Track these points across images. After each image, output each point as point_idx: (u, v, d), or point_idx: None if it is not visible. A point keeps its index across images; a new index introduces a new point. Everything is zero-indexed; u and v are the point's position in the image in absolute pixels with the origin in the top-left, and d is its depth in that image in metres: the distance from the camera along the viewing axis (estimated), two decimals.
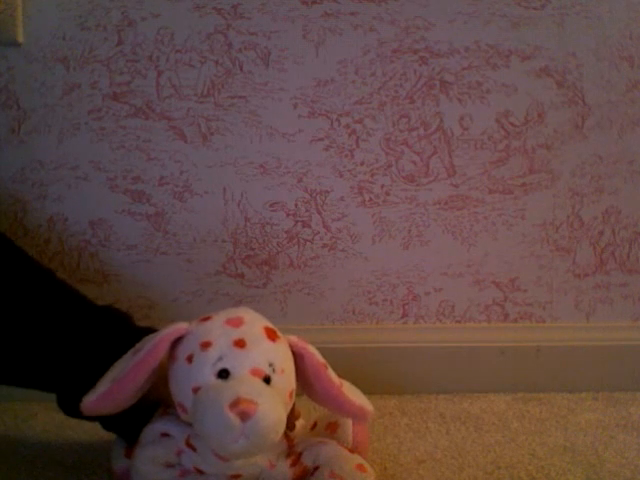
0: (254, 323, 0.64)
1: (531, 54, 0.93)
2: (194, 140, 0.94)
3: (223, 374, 0.60)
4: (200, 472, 0.64)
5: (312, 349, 0.67)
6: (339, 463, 0.66)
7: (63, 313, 0.72)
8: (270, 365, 0.61)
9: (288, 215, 0.96)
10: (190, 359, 0.61)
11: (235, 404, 0.56)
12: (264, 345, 0.62)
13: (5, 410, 0.91)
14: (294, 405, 0.69)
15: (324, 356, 0.68)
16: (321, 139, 0.95)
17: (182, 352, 0.62)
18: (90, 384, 0.65)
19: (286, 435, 0.67)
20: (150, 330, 0.72)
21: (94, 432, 0.75)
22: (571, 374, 0.98)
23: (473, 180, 0.96)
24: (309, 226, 0.97)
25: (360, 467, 0.66)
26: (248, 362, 0.60)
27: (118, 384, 0.63)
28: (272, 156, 0.95)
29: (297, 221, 0.97)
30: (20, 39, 0.90)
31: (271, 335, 0.64)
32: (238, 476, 0.64)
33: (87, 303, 0.76)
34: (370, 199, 0.96)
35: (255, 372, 0.60)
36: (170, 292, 0.98)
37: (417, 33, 0.93)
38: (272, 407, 0.58)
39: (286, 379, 0.63)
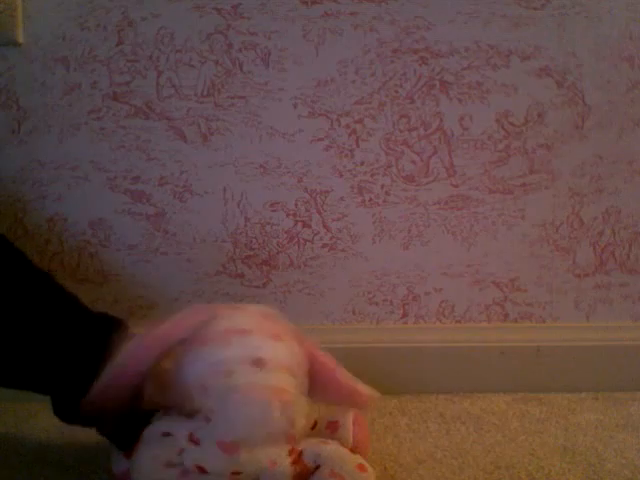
0: (285, 322, 0.68)
1: (531, 54, 0.93)
2: (194, 140, 0.94)
3: (260, 363, 0.63)
4: (201, 471, 0.64)
5: (318, 352, 0.70)
6: (339, 463, 0.66)
7: (58, 318, 0.72)
8: (298, 364, 0.65)
9: (288, 215, 0.96)
10: (226, 343, 0.63)
11: (276, 392, 0.60)
12: (295, 346, 0.66)
13: (5, 410, 0.91)
14: None
15: None
16: (321, 139, 0.95)
17: (213, 335, 0.64)
18: (84, 391, 0.65)
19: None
20: None
21: (94, 432, 0.75)
22: (571, 374, 0.98)
23: (473, 180, 0.96)
24: (309, 226, 0.97)
25: (360, 467, 0.67)
26: (283, 356, 0.64)
27: (141, 347, 0.65)
28: (272, 156, 0.95)
29: (297, 221, 0.97)
30: (20, 39, 0.90)
31: (299, 340, 0.67)
32: (239, 473, 0.64)
33: (83, 309, 0.76)
34: (370, 199, 0.96)
35: (286, 368, 0.64)
36: (170, 292, 0.98)
37: (417, 33, 0.93)
38: (301, 398, 0.63)
39: (304, 381, 0.66)
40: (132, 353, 0.66)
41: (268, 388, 0.61)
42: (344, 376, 0.71)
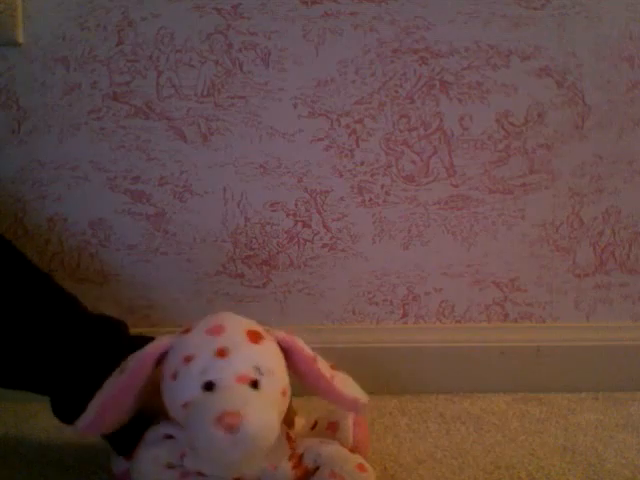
0: (235, 328, 0.63)
1: (531, 54, 0.93)
2: (194, 140, 0.94)
3: (209, 386, 0.59)
4: (201, 475, 0.64)
5: (300, 343, 0.66)
6: (339, 463, 0.66)
7: (57, 320, 0.72)
8: (256, 369, 0.60)
9: (288, 215, 0.96)
10: (175, 376, 0.61)
11: (220, 418, 0.56)
12: (247, 350, 0.61)
13: (5, 410, 0.91)
14: (291, 402, 0.69)
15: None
16: (321, 139, 0.95)
17: (167, 369, 0.62)
18: (84, 392, 0.65)
19: (288, 436, 0.67)
20: (143, 338, 0.72)
21: None
22: (571, 374, 0.98)
23: (473, 180, 0.96)
24: (309, 226, 0.97)
25: (360, 467, 0.66)
26: (232, 370, 0.60)
27: (106, 406, 0.63)
28: (272, 156, 0.95)
29: (297, 221, 0.97)
30: (20, 39, 0.90)
31: (254, 338, 0.63)
32: (239, 477, 0.64)
33: (82, 310, 0.76)
34: (370, 199, 0.96)
35: (241, 379, 0.59)
36: (170, 292, 0.98)
37: (417, 33, 0.93)
38: (259, 414, 0.57)
39: (276, 379, 0.62)
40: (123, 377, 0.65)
41: (215, 414, 0.56)
42: (338, 384, 0.67)
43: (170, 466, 0.64)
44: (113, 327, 0.75)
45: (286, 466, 0.66)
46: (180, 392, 0.60)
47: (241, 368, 0.60)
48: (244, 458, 0.58)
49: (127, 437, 0.68)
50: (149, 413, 0.68)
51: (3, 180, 0.94)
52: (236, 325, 0.63)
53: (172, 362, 0.62)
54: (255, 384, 0.60)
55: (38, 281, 0.75)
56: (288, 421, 0.69)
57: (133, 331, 0.78)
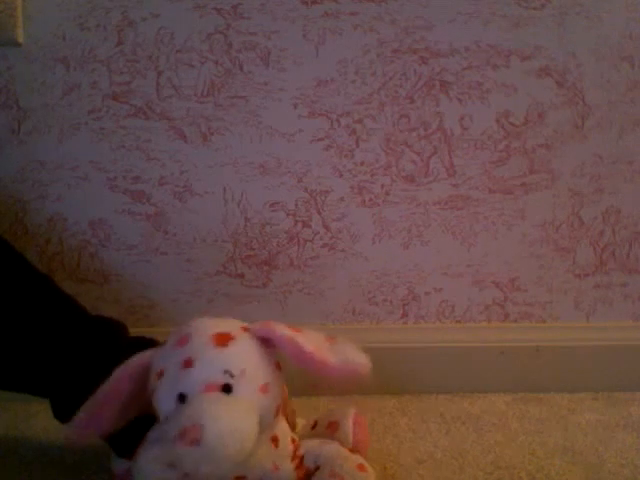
0: (201, 334, 0.61)
1: (531, 54, 0.93)
2: (194, 140, 0.94)
3: (182, 398, 0.58)
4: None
5: (276, 327, 0.63)
6: (339, 463, 0.66)
7: (56, 321, 0.72)
8: (226, 372, 0.59)
9: (288, 215, 0.96)
10: (153, 392, 0.61)
11: (182, 435, 0.55)
12: (213, 355, 0.60)
13: (5, 410, 0.91)
14: (291, 404, 0.68)
15: None
16: (321, 139, 0.95)
17: (149, 386, 0.62)
18: (83, 394, 0.65)
19: (291, 438, 0.67)
20: (142, 339, 0.72)
21: None
22: (571, 374, 0.98)
23: (473, 180, 0.96)
24: (309, 226, 0.97)
25: (360, 467, 0.67)
26: (200, 379, 0.58)
27: (99, 408, 0.63)
28: (272, 156, 0.95)
29: (297, 221, 0.97)
30: (20, 39, 0.90)
31: (221, 341, 0.60)
32: (243, 477, 0.64)
33: (81, 312, 0.75)
34: (370, 199, 0.96)
35: (209, 387, 0.58)
36: (170, 292, 0.98)
37: (417, 33, 0.93)
38: (223, 422, 0.56)
39: (250, 378, 0.60)
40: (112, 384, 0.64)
41: (178, 430, 0.55)
42: (310, 349, 0.61)
43: (172, 465, 0.64)
44: (112, 328, 0.75)
45: (288, 467, 0.66)
46: (160, 407, 0.60)
47: (208, 375, 0.58)
48: (216, 468, 0.56)
49: (127, 438, 0.68)
50: (152, 412, 0.68)
51: (3, 180, 0.94)
52: (203, 331, 0.61)
53: (150, 379, 0.62)
54: (228, 388, 0.58)
55: (37, 283, 0.75)
56: (290, 424, 0.69)
57: (133, 331, 0.78)
